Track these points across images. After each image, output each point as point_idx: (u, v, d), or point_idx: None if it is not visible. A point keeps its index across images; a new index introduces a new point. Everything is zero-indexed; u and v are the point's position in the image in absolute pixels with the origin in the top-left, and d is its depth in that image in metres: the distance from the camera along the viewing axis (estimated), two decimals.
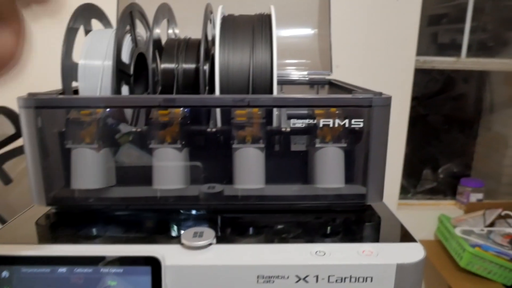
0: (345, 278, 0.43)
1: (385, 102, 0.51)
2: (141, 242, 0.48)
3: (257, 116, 0.52)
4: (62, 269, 0.43)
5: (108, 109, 0.53)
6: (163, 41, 0.67)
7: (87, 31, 0.60)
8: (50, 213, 0.56)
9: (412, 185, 1.86)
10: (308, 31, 0.90)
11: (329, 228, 0.53)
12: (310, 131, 0.53)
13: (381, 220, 0.56)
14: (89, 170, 0.53)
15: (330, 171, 0.54)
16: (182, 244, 0.46)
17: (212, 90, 0.60)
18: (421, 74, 1.69)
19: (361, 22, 1.35)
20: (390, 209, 0.58)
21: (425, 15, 1.48)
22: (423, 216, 1.62)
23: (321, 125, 0.52)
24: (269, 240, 0.49)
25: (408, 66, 1.40)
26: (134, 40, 0.62)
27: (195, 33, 0.65)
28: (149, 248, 0.46)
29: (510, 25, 1.68)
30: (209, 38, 0.65)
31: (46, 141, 0.52)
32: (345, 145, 0.53)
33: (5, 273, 0.43)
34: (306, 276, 0.43)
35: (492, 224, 1.46)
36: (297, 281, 0.43)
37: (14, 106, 1.04)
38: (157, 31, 0.64)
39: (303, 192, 0.56)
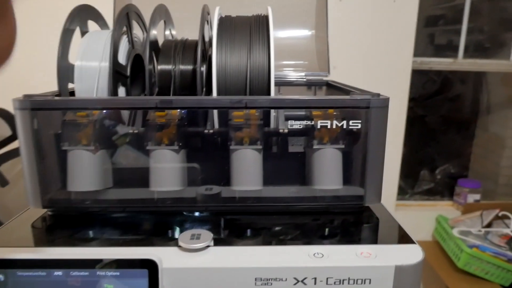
0: (343, 280, 0.43)
1: (383, 103, 0.51)
2: (138, 245, 0.48)
3: (254, 118, 0.52)
4: (58, 272, 0.43)
5: (104, 111, 0.53)
6: (160, 42, 0.67)
7: (83, 32, 0.60)
8: (46, 215, 0.56)
9: (409, 186, 1.86)
10: (305, 32, 0.90)
11: (327, 229, 0.53)
12: (307, 133, 0.53)
13: (379, 221, 0.55)
14: (86, 172, 0.52)
15: (328, 172, 0.54)
16: (179, 247, 0.45)
17: (209, 92, 0.60)
18: (418, 75, 1.70)
19: (359, 23, 1.35)
20: (388, 210, 0.58)
21: (422, 16, 1.49)
22: (420, 217, 1.62)
23: (318, 127, 0.52)
24: (267, 242, 0.49)
25: (405, 67, 1.40)
26: (131, 42, 0.61)
27: (192, 34, 0.65)
28: (146, 250, 0.46)
29: (507, 26, 1.69)
30: (206, 39, 0.65)
31: (42, 143, 0.52)
32: (343, 146, 0.53)
33: (0, 277, 0.43)
34: (304, 278, 0.43)
35: (489, 225, 1.46)
36: (295, 283, 0.43)
37: (10, 107, 1.04)
38: (154, 32, 0.63)
39: (301, 193, 0.56)
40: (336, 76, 0.85)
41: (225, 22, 0.62)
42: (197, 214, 0.56)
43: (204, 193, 0.55)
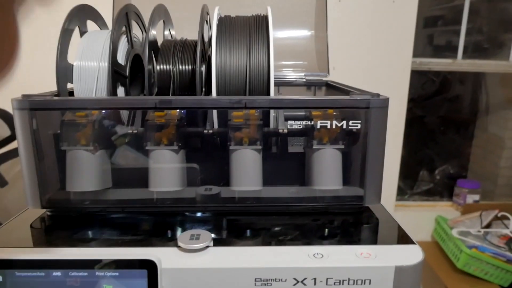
0: (343, 280, 0.43)
1: (383, 104, 0.51)
2: (137, 245, 0.48)
3: (254, 118, 0.52)
4: (57, 273, 0.42)
5: (104, 111, 0.52)
6: (159, 42, 0.67)
7: (82, 32, 0.60)
8: (45, 216, 0.56)
9: (409, 187, 1.86)
10: (305, 33, 0.90)
11: (327, 230, 0.53)
12: (307, 133, 0.53)
13: (379, 222, 0.55)
14: (85, 172, 0.52)
15: (327, 172, 0.54)
16: (178, 247, 0.45)
17: (208, 92, 0.60)
18: (417, 76, 1.70)
19: (358, 23, 1.35)
20: (387, 211, 0.58)
21: (421, 17, 1.49)
22: (420, 217, 1.62)
23: (318, 127, 0.52)
24: (267, 242, 0.49)
25: (405, 68, 1.40)
26: (130, 41, 0.61)
27: (192, 34, 0.65)
28: (145, 251, 0.46)
29: (506, 27, 1.69)
30: (206, 39, 0.65)
31: (41, 143, 0.51)
32: (342, 146, 0.53)
33: None
34: (304, 279, 0.43)
35: (488, 226, 1.46)
36: (295, 284, 0.43)
37: (9, 107, 1.04)
38: (153, 32, 0.63)
39: (300, 194, 0.56)
40: (335, 76, 0.85)
41: (224, 22, 0.62)
42: (196, 214, 0.56)
43: (204, 193, 0.55)
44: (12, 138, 1.07)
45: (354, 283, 0.43)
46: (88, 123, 0.51)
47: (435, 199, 1.76)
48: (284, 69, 0.87)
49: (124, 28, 0.60)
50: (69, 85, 0.57)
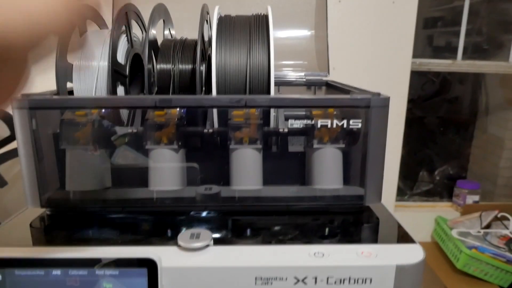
0: (344, 279, 0.43)
1: (384, 103, 0.51)
2: (137, 244, 0.47)
3: (254, 117, 0.52)
4: (57, 272, 0.42)
5: (103, 110, 0.52)
6: (159, 41, 0.66)
7: (82, 32, 0.60)
8: (45, 215, 0.56)
9: (408, 187, 1.86)
10: (305, 33, 0.90)
11: (327, 229, 0.53)
12: (307, 132, 0.53)
13: (379, 221, 0.55)
14: (84, 171, 0.52)
15: (328, 172, 0.54)
16: (178, 246, 0.45)
17: (208, 91, 0.59)
18: (417, 76, 1.70)
19: (358, 24, 1.35)
20: (388, 210, 0.58)
21: (421, 17, 1.49)
22: (419, 218, 1.62)
23: (319, 126, 0.52)
24: (267, 241, 0.49)
25: (404, 68, 1.40)
26: (130, 41, 0.61)
27: (192, 34, 0.65)
28: (145, 249, 0.45)
29: (505, 27, 1.69)
30: (206, 38, 0.65)
31: (40, 142, 0.51)
32: (343, 145, 0.53)
33: None
34: (305, 278, 0.43)
35: (488, 226, 1.46)
36: (295, 283, 0.43)
37: (8, 107, 1.03)
38: (153, 31, 0.63)
39: (301, 193, 0.56)
40: (335, 76, 0.85)
41: (224, 22, 0.62)
42: (196, 213, 0.56)
43: (204, 192, 0.54)
44: (11, 138, 1.07)
45: (355, 282, 0.43)
46: (88, 122, 0.51)
47: (434, 200, 1.76)
48: (284, 68, 0.87)
49: (124, 28, 0.60)
50: (68, 85, 0.56)
